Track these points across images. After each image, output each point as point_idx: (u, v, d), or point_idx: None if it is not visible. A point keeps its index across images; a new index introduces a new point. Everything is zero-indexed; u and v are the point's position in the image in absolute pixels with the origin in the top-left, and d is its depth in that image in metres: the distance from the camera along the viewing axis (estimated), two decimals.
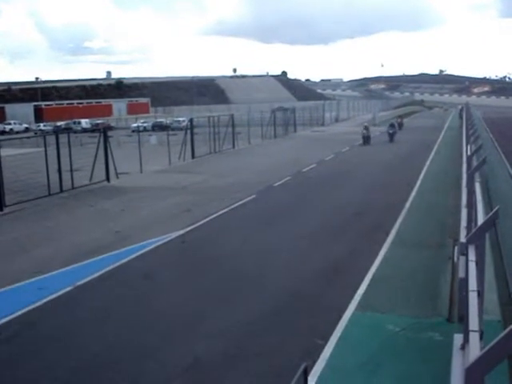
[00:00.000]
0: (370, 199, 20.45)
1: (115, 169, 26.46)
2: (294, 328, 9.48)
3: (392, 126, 45.42)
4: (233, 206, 19.65)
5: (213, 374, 8.03)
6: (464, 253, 6.75)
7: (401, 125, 53.51)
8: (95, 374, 8.15)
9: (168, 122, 68.79)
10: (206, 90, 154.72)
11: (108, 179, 26.07)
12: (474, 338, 4.23)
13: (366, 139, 42.62)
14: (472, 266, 5.97)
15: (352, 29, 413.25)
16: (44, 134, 40.15)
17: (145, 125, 69.67)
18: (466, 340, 5.79)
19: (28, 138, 41.13)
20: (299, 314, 10.11)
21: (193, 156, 35.30)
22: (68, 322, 10.15)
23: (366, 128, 43.54)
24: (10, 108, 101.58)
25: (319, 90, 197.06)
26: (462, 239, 8.81)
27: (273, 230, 16.37)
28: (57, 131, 41.34)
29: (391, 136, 43.89)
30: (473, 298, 5.15)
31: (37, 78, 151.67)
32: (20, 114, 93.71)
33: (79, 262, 13.54)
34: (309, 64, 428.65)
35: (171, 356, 8.56)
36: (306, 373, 5.57)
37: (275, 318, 9.97)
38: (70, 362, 8.47)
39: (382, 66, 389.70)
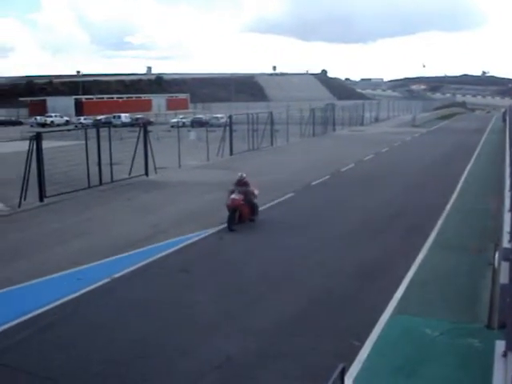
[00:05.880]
0: (410, 200, 20.23)
1: (154, 163, 26.64)
2: (331, 328, 9.41)
3: None
4: (270, 204, 19.59)
5: (245, 373, 8.01)
6: (509, 258, 6.58)
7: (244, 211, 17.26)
8: (129, 364, 8.21)
9: (207, 118, 69.00)
10: (244, 87, 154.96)
11: (147, 173, 26.30)
12: None
13: None
14: None
15: (393, 28, 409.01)
16: (84, 127, 40.64)
17: (184, 120, 69.95)
18: (509, 347, 5.65)
19: (69, 130, 41.55)
20: (335, 315, 10.03)
21: (231, 153, 35.39)
22: (104, 312, 10.26)
23: None
24: (51, 101, 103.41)
25: (359, 90, 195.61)
26: (506, 244, 8.61)
27: (310, 229, 16.27)
28: (97, 125, 41.84)
29: None
30: None
31: (78, 72, 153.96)
32: (61, 107, 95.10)
33: (116, 255, 13.70)
34: (348, 63, 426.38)
35: (206, 350, 8.57)
36: (343, 373, 5.52)
37: (311, 317, 9.96)
38: (106, 352, 8.58)
39: (424, 66, 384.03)
